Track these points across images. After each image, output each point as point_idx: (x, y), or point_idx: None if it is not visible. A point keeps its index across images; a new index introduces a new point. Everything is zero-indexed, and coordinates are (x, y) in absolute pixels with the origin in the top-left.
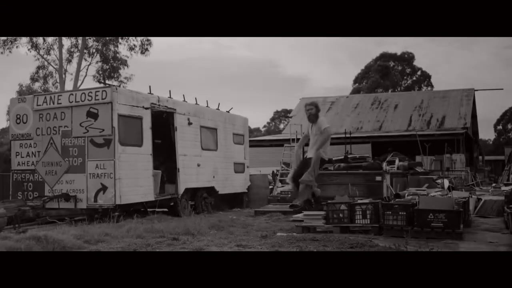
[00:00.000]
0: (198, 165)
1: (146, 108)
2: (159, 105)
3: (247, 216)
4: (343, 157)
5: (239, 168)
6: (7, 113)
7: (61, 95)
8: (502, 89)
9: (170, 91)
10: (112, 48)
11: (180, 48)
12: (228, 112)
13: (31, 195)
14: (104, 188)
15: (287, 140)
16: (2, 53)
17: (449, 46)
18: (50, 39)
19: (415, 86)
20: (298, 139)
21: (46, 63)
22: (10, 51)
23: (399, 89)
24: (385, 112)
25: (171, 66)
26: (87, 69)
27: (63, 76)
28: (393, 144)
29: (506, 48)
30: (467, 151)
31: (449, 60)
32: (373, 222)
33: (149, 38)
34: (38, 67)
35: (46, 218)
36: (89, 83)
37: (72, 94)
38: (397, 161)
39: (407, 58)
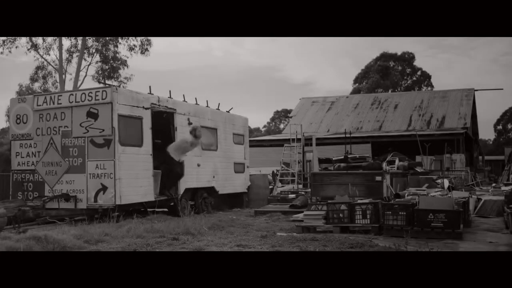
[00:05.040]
0: (198, 165)
1: (146, 108)
2: (159, 105)
3: (247, 216)
4: (343, 157)
5: (239, 168)
6: (6, 113)
7: (61, 95)
8: (502, 89)
9: (170, 91)
10: (112, 48)
11: (183, 51)
12: (228, 112)
13: (31, 195)
14: (104, 188)
15: (287, 140)
16: (1, 53)
17: (449, 51)
18: (49, 39)
19: (415, 86)
20: (298, 139)
21: (45, 63)
22: (9, 51)
23: (399, 89)
24: (385, 112)
25: (172, 67)
26: (87, 69)
27: (63, 76)
28: (393, 144)
29: (505, 54)
30: (467, 151)
31: (449, 66)
32: (373, 222)
33: (149, 38)
34: (37, 67)
35: (46, 218)
36: (89, 83)
37: (72, 94)
38: (397, 161)
39: (407, 58)
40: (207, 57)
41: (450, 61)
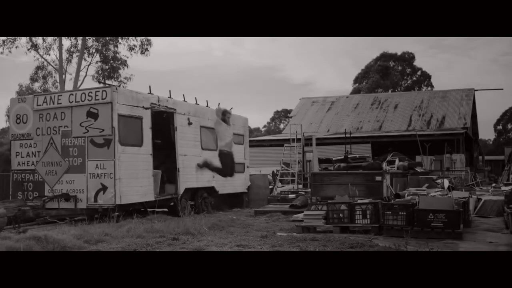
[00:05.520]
0: (198, 165)
1: (146, 108)
2: (159, 105)
3: (247, 216)
4: (343, 157)
5: (239, 168)
6: (6, 113)
7: (61, 95)
8: (502, 89)
9: (170, 91)
10: (112, 48)
11: (183, 51)
12: None
13: (31, 195)
14: (104, 188)
15: (287, 140)
16: (1, 53)
17: (449, 51)
18: (49, 39)
19: (415, 86)
20: (298, 139)
21: (45, 63)
22: (9, 51)
23: (399, 89)
24: (385, 112)
25: (172, 67)
26: (87, 69)
27: (63, 76)
28: (393, 144)
29: (505, 54)
30: (467, 151)
31: (449, 66)
32: (373, 222)
33: (149, 38)
34: (37, 67)
35: (46, 218)
36: (89, 83)
37: (72, 94)
38: (397, 161)
39: (407, 58)
40: (207, 57)
41: (450, 61)
